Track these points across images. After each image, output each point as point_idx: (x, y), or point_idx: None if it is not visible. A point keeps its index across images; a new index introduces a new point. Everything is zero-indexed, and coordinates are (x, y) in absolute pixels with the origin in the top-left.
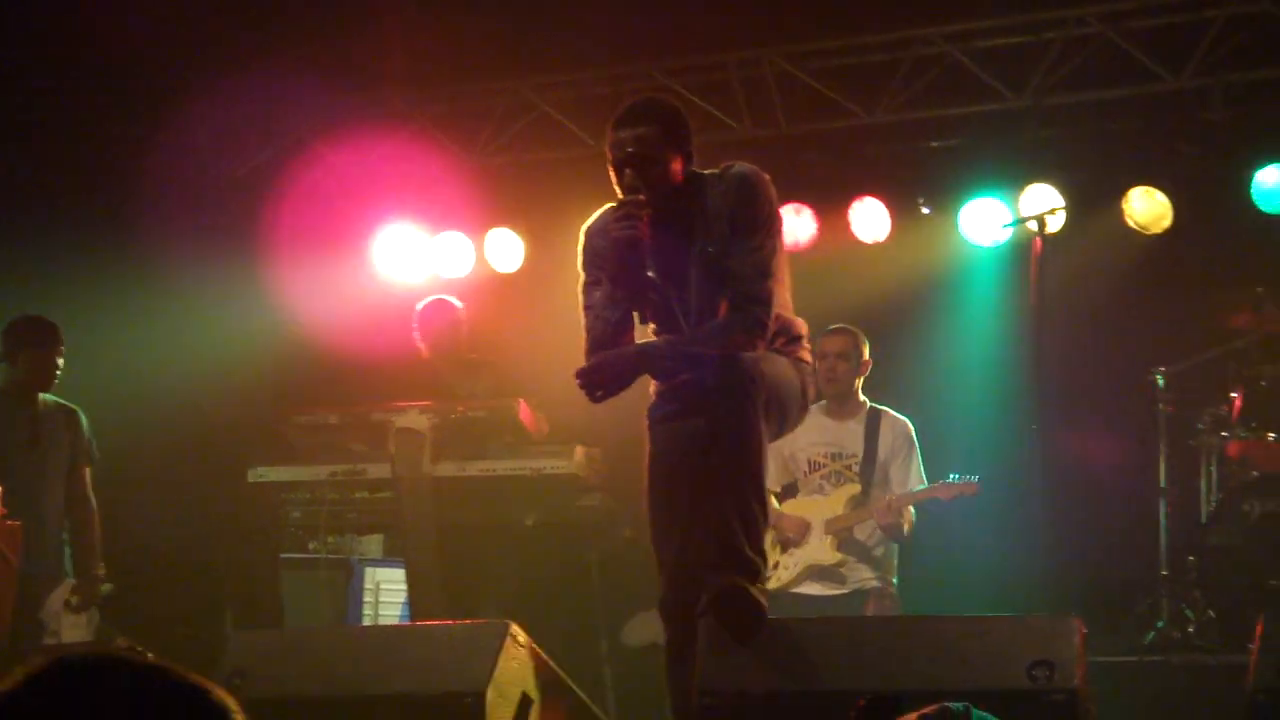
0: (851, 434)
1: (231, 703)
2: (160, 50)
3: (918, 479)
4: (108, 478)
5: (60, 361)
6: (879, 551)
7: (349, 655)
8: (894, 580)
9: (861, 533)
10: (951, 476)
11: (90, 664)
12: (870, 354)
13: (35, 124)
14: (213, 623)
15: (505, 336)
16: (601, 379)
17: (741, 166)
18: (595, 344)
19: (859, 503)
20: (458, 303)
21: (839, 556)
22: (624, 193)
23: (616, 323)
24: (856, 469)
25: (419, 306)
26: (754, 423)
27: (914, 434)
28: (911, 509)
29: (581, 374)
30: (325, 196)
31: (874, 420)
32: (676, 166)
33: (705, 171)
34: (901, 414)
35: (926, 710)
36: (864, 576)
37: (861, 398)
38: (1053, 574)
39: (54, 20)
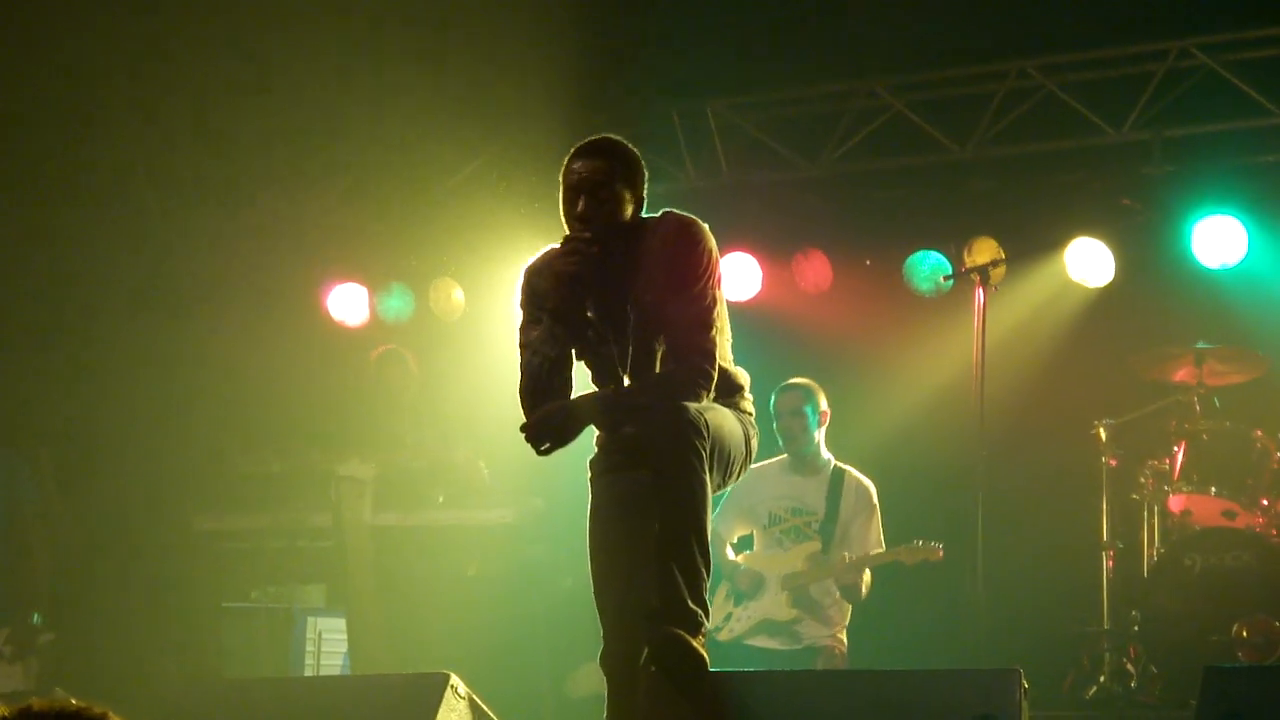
0: (814, 491)
1: None
2: (104, 89)
3: (877, 542)
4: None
5: None
6: (833, 610)
7: (290, 706)
8: (843, 638)
9: (817, 591)
10: (917, 541)
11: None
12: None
13: None
14: (154, 671)
15: (447, 385)
16: (547, 430)
17: (677, 214)
18: (532, 381)
19: (818, 560)
20: (407, 355)
21: (794, 613)
22: (573, 221)
23: (555, 360)
24: (817, 526)
25: (373, 356)
26: (699, 474)
27: (875, 497)
28: (869, 572)
29: (527, 428)
30: (269, 244)
31: (838, 479)
32: (627, 208)
33: (645, 218)
34: (861, 473)
35: None
36: (817, 634)
37: (825, 455)
38: (995, 627)
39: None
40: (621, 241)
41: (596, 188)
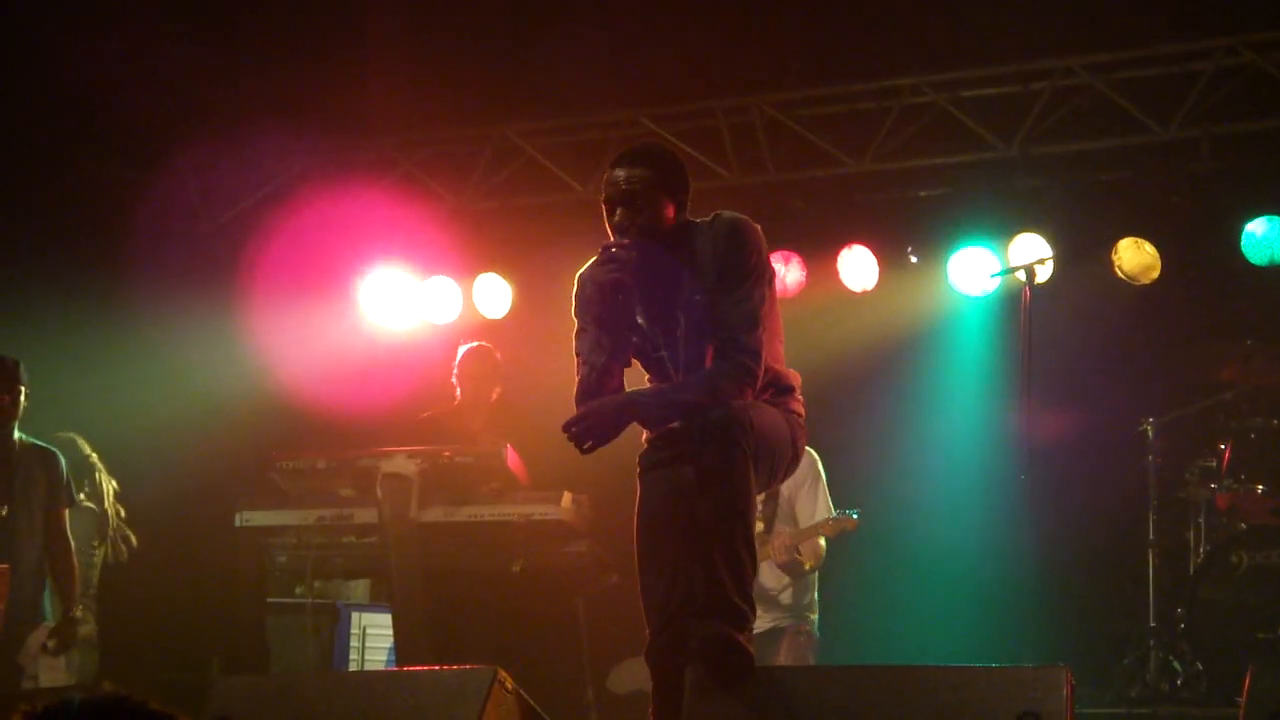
0: None
1: None
2: (147, 95)
3: (825, 509)
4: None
5: (19, 398)
6: (790, 592)
7: (335, 700)
8: (813, 618)
9: (769, 576)
10: (834, 512)
11: (91, 706)
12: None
13: (25, 169)
14: (199, 667)
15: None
16: (588, 428)
17: (731, 215)
18: (582, 391)
19: (761, 541)
20: (498, 354)
21: None
22: (612, 231)
23: (602, 368)
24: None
25: (461, 350)
26: (743, 471)
27: (819, 464)
28: (822, 541)
29: (569, 424)
30: (314, 242)
31: None
32: (668, 212)
33: (696, 220)
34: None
35: None
36: (775, 617)
37: None
38: (1041, 625)
39: (44, 67)
40: (667, 247)
41: (633, 197)
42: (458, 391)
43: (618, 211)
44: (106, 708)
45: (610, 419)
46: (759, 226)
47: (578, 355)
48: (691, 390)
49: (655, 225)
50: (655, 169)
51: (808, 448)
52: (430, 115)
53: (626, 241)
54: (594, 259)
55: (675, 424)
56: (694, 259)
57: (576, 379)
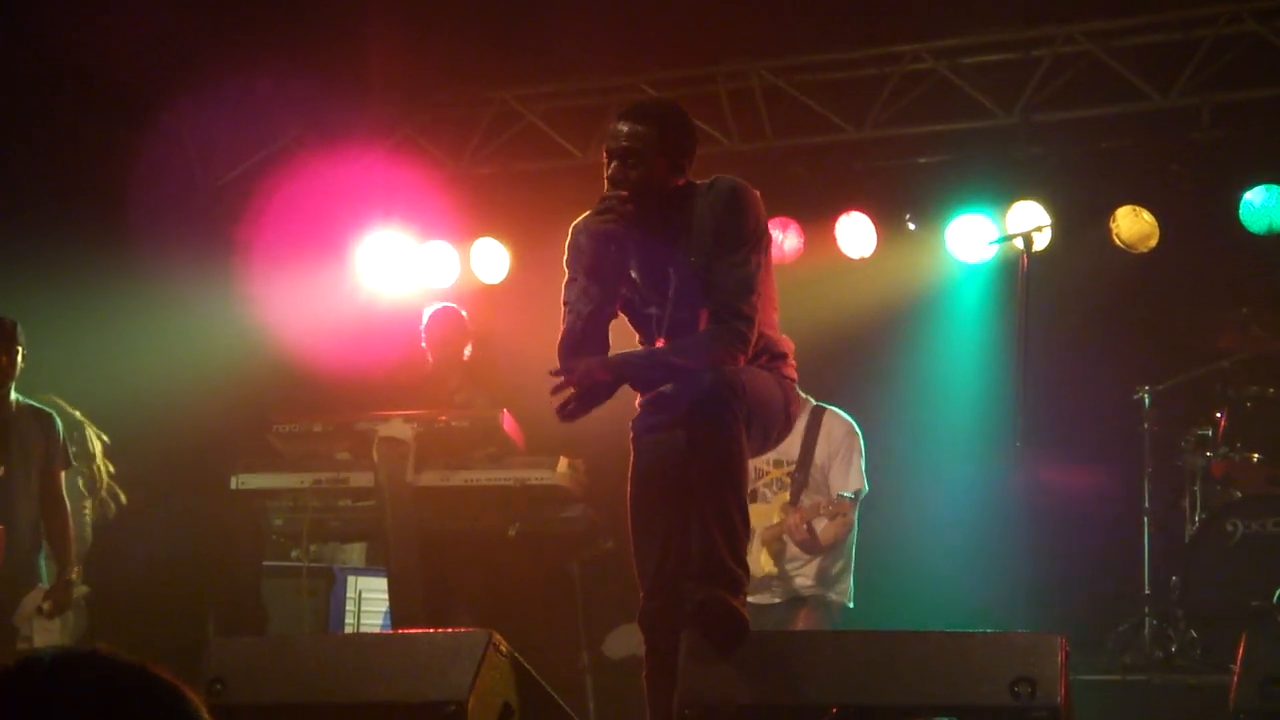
0: (793, 437)
1: (203, 710)
2: (144, 56)
3: (857, 482)
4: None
5: (16, 359)
6: (816, 565)
7: (331, 663)
8: (842, 588)
9: (795, 549)
10: (866, 486)
11: (64, 661)
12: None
13: (19, 130)
14: (195, 629)
15: (490, 347)
16: (579, 382)
17: (730, 180)
18: (566, 337)
19: (788, 512)
20: (463, 312)
21: (773, 568)
22: (609, 184)
23: (588, 316)
24: (790, 474)
25: (426, 313)
26: (735, 434)
27: (858, 432)
28: (853, 516)
29: (559, 372)
30: (311, 205)
31: (815, 420)
32: (664, 170)
33: (696, 182)
34: (861, 420)
35: None
36: (800, 584)
37: (803, 395)
38: (1036, 591)
39: (40, 28)
40: (666, 205)
41: (628, 154)
42: (429, 354)
43: (613, 164)
44: (79, 661)
45: (599, 375)
46: (758, 193)
47: (565, 304)
48: (684, 353)
49: (650, 182)
50: (657, 127)
51: (847, 417)
52: (429, 79)
53: (624, 194)
54: (588, 212)
55: (667, 388)
56: (690, 221)
57: (561, 328)
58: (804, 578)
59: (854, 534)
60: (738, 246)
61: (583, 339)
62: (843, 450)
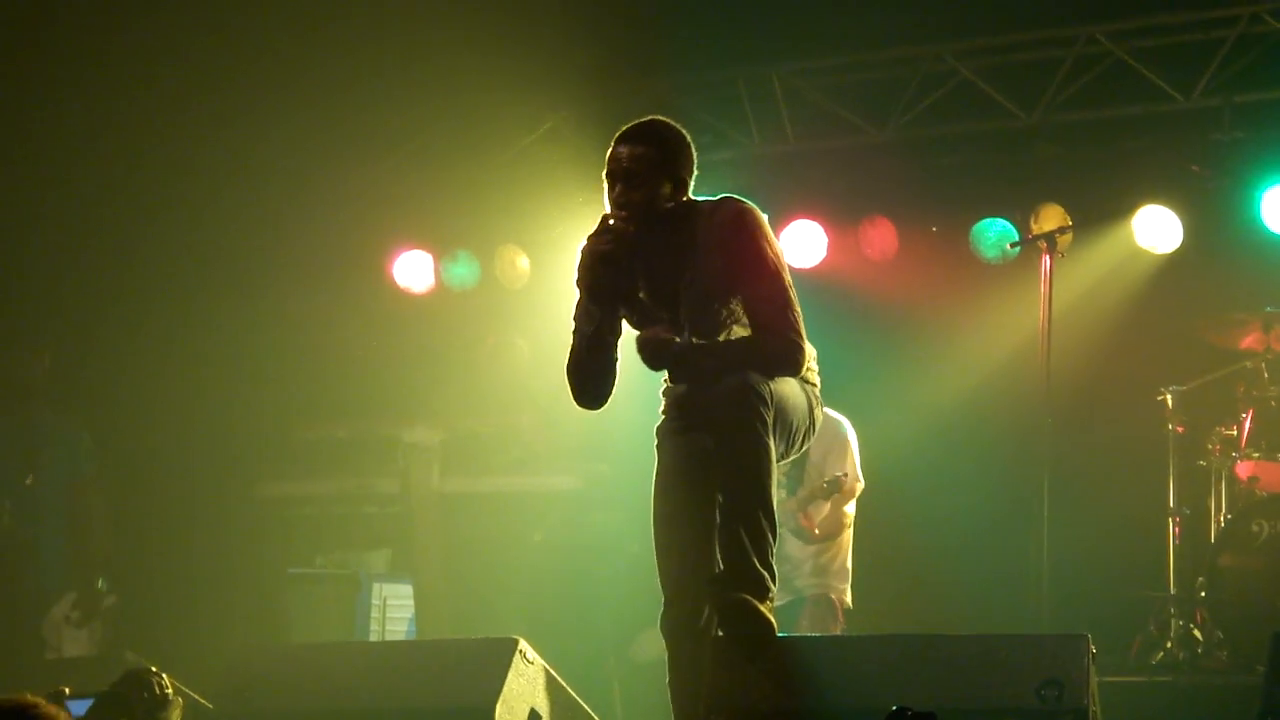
0: None
1: None
2: (173, 68)
3: (853, 470)
4: (117, 490)
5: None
6: (814, 562)
7: (357, 670)
8: (842, 587)
9: (794, 545)
10: (861, 479)
11: None
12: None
13: (49, 132)
14: (221, 636)
15: (515, 352)
16: (644, 352)
17: (737, 203)
18: (570, 357)
19: (783, 508)
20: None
21: None
22: (611, 207)
23: (591, 337)
24: (785, 472)
25: (489, 341)
26: (762, 438)
27: (848, 431)
28: (848, 508)
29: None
30: (335, 212)
31: None
32: (667, 190)
33: (699, 199)
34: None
35: None
36: (801, 585)
37: None
38: (1062, 593)
39: (82, 27)
40: (669, 224)
41: (631, 176)
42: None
43: (616, 187)
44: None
45: (661, 352)
46: (762, 213)
47: (574, 323)
48: (743, 358)
49: (653, 203)
50: (657, 147)
51: (839, 415)
52: (449, 86)
53: (624, 214)
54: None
55: (692, 392)
56: (695, 241)
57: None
58: (804, 575)
59: (850, 533)
60: (767, 264)
61: (587, 358)
62: (836, 445)
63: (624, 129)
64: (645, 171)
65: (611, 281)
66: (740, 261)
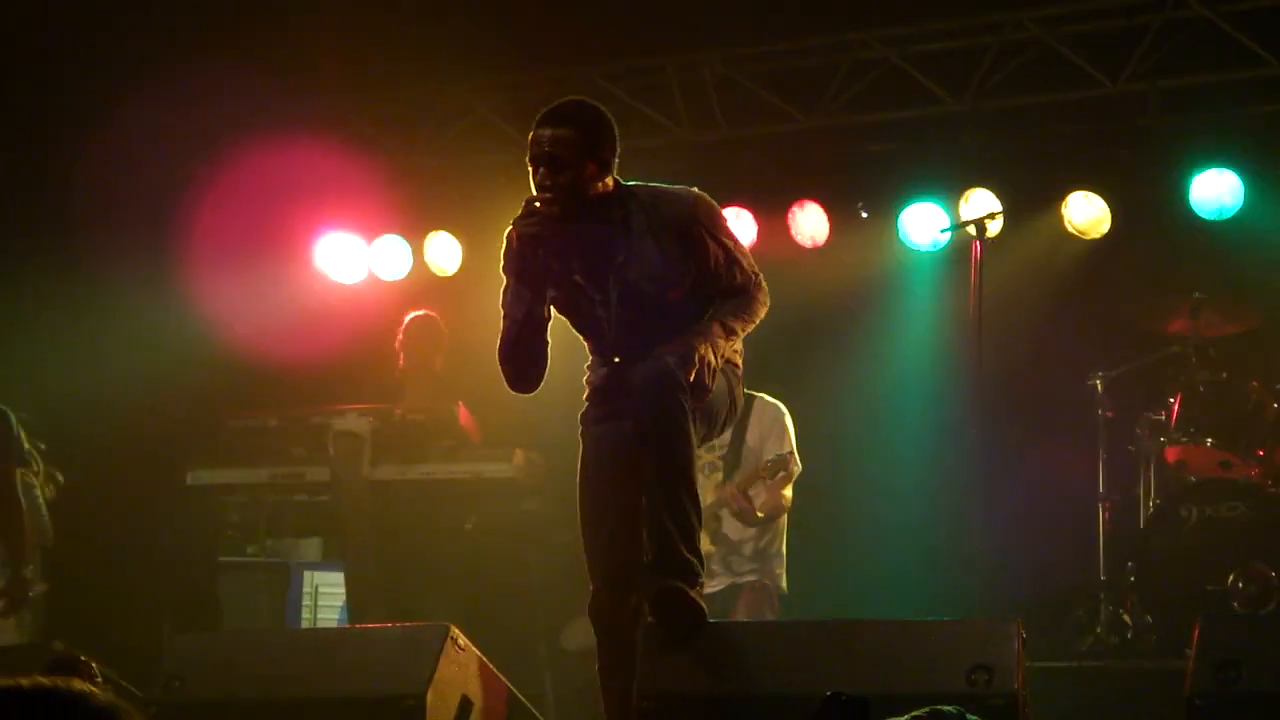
0: None
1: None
2: (93, 49)
3: (790, 451)
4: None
5: None
6: (753, 545)
7: (288, 658)
8: (778, 572)
9: (732, 527)
10: (799, 464)
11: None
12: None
13: None
14: (151, 626)
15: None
16: (696, 373)
17: (693, 192)
18: (502, 342)
19: (725, 487)
20: (440, 321)
21: (710, 546)
22: (536, 190)
23: (521, 320)
24: (721, 455)
25: (407, 319)
26: (684, 424)
27: (786, 415)
28: (787, 491)
29: (690, 385)
30: (263, 199)
31: (746, 405)
32: (590, 173)
33: (631, 184)
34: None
35: (918, 712)
36: (738, 570)
37: None
38: (991, 579)
39: None
40: (600, 206)
41: (554, 160)
42: (401, 359)
43: (540, 170)
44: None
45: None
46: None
47: (502, 308)
48: (740, 316)
49: (577, 186)
50: (579, 129)
51: (775, 400)
52: (381, 71)
53: (548, 195)
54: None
55: (611, 380)
56: (627, 226)
57: (500, 333)
58: (742, 559)
59: (786, 517)
60: (740, 253)
61: (518, 342)
62: (775, 431)
63: (544, 111)
64: (567, 154)
65: (538, 263)
66: (707, 235)
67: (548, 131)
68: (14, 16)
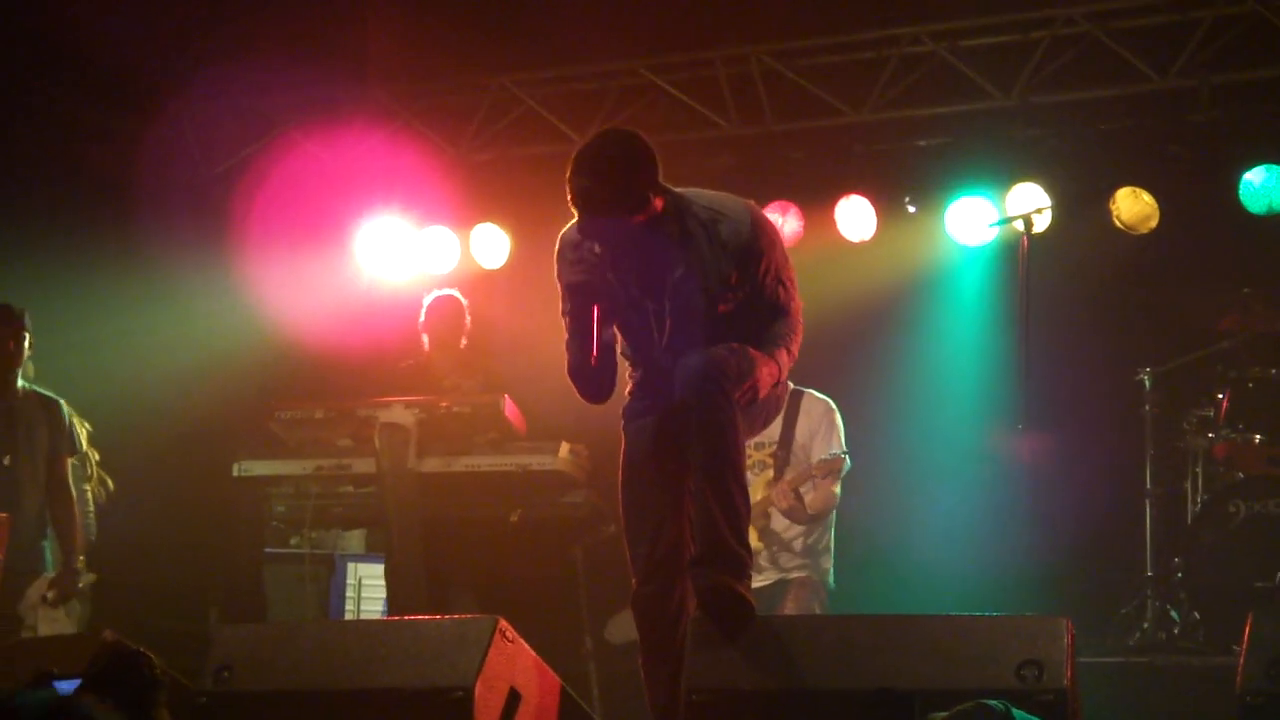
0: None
1: None
2: (142, 41)
3: (840, 448)
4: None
5: (23, 345)
6: (802, 541)
7: (337, 649)
8: (826, 567)
9: (780, 523)
10: (818, 459)
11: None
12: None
13: (19, 119)
14: (197, 616)
15: (491, 332)
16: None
17: (746, 207)
18: (569, 361)
19: (775, 484)
20: (463, 299)
21: (759, 543)
22: (581, 234)
23: (576, 350)
24: (772, 453)
25: (426, 300)
26: (732, 417)
27: (835, 411)
28: (836, 489)
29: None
30: (312, 191)
31: (794, 402)
32: (629, 208)
33: (685, 192)
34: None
35: (964, 706)
36: (786, 566)
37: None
38: (1039, 574)
39: (38, 14)
40: (653, 226)
41: (595, 206)
42: (425, 340)
43: (583, 215)
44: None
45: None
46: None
47: (564, 318)
48: (785, 344)
49: (621, 225)
50: (614, 176)
51: (824, 396)
52: (428, 65)
53: (596, 248)
54: (570, 225)
55: (654, 374)
56: (686, 239)
57: (566, 354)
58: (791, 555)
59: (834, 513)
60: (782, 256)
61: (585, 363)
62: (823, 426)
63: (580, 156)
64: (610, 201)
65: (587, 307)
66: (753, 256)
67: (586, 181)
68: (67, 13)
